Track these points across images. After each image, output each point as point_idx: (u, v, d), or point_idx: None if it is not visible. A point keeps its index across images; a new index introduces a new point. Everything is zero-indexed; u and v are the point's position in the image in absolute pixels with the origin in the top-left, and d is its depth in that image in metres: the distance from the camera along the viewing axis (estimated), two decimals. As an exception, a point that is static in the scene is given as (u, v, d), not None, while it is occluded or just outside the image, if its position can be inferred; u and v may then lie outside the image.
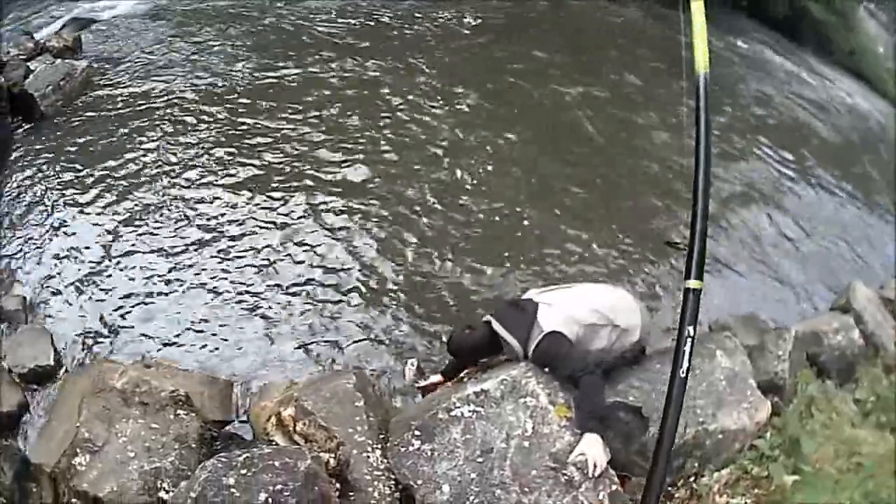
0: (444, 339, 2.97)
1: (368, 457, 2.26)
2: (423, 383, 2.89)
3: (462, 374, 2.63)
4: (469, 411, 2.24)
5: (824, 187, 5.56)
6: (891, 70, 8.60)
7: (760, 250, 4.34)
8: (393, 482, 2.22)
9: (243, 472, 2.02)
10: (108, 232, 3.63)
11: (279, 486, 1.97)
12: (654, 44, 7.29)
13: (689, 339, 2.08)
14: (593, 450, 2.19)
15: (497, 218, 4.16)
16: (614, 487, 2.25)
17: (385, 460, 2.25)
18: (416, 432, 2.24)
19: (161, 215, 3.78)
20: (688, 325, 2.10)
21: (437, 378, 2.85)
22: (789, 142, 6.07)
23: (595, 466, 2.17)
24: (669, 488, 2.55)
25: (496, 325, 2.49)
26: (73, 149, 4.29)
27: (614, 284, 3.01)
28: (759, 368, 3.00)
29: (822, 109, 7.12)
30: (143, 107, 4.76)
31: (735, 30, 8.57)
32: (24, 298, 3.21)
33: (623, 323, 2.56)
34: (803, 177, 5.63)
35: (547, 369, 2.42)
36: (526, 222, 4.17)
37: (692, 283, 2.14)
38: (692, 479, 2.62)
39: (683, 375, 2.07)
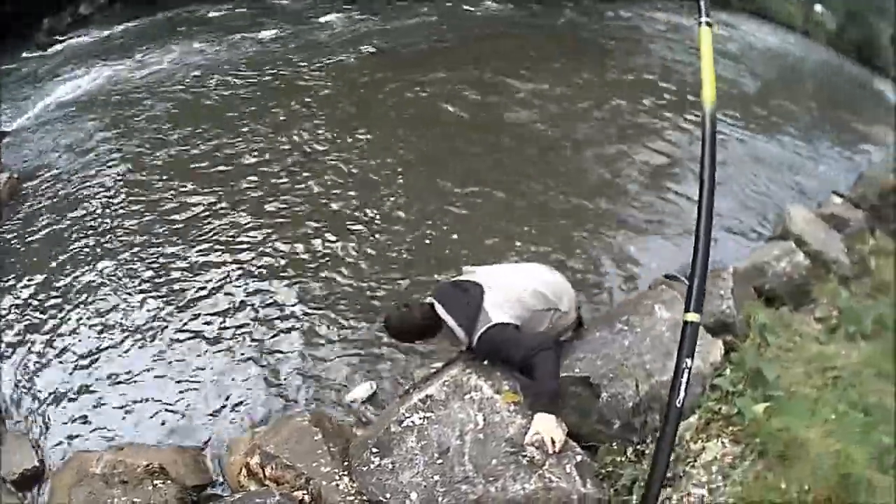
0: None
1: (338, 485, 2.32)
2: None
3: (408, 388, 2.68)
4: (419, 418, 2.31)
5: (746, 133, 5.63)
6: (793, 3, 8.77)
7: (690, 207, 4.43)
8: (367, 503, 2.29)
9: (219, 522, 2.11)
10: (54, 331, 3.72)
11: (253, 528, 2.06)
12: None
13: (686, 371, 2.09)
14: (547, 427, 2.22)
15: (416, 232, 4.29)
16: (579, 458, 2.30)
17: (353, 485, 2.31)
18: (374, 449, 2.30)
19: (101, 307, 3.87)
20: (685, 356, 2.10)
21: None
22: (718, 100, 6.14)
23: (553, 442, 2.21)
24: (638, 446, 2.60)
25: (440, 310, 2.41)
26: (9, 260, 4.38)
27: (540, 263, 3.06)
28: (705, 311, 3.06)
29: (731, 59, 7.20)
30: (67, 206, 4.87)
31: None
32: (-1, 410, 3.31)
33: (564, 306, 2.58)
34: (723, 129, 5.71)
35: (489, 359, 2.44)
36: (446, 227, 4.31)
37: (690, 317, 2.14)
38: (658, 431, 2.68)
39: (679, 406, 2.07)
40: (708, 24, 2.32)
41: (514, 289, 2.49)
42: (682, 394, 2.08)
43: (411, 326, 2.44)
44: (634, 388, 2.56)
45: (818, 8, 8.55)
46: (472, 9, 8.95)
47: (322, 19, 8.65)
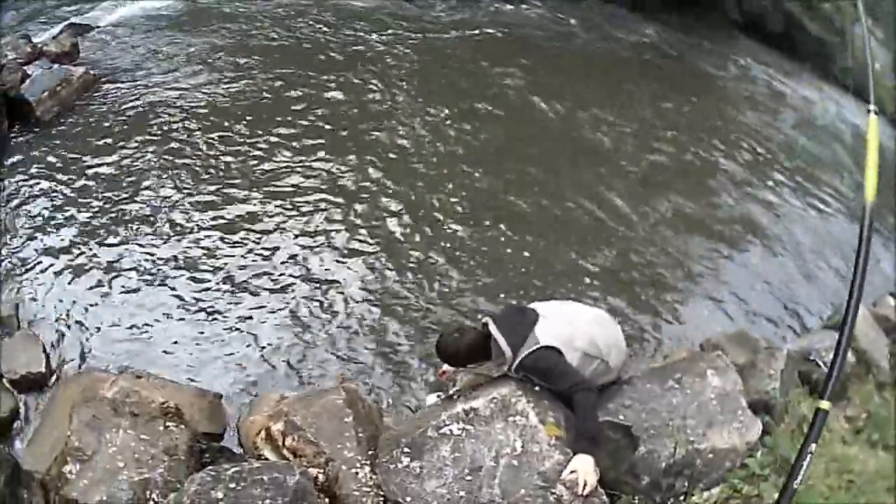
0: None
1: (357, 473, 2.25)
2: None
3: (452, 393, 2.61)
4: (458, 429, 2.24)
5: (821, 209, 5.56)
6: (888, 87, 8.53)
7: (755, 270, 4.35)
8: (382, 499, 2.22)
9: (232, 486, 2.02)
10: (100, 241, 3.63)
11: (268, 502, 1.98)
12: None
13: (809, 455, 2.09)
14: (584, 468, 2.20)
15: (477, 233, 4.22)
16: (603, 507, 2.26)
17: (374, 477, 2.24)
18: (406, 449, 2.24)
19: (153, 226, 3.79)
20: (811, 441, 2.09)
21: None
22: (789, 170, 6.04)
23: (585, 485, 2.17)
24: (659, 508, 2.55)
25: (492, 327, 2.45)
26: (68, 155, 4.28)
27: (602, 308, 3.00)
28: (751, 387, 2.99)
29: (817, 129, 7.08)
30: (139, 115, 4.76)
31: (732, 49, 8.60)
32: (17, 305, 3.22)
33: (612, 362, 2.55)
34: (803, 202, 5.61)
35: (535, 381, 2.40)
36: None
37: (824, 405, 2.12)
38: (682, 498, 2.61)
39: (796, 486, 2.09)
40: (876, 112, 2.26)
41: (569, 325, 2.48)
42: (800, 476, 2.10)
43: (460, 349, 2.49)
44: (672, 450, 2.50)
45: (909, 98, 8.35)
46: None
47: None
